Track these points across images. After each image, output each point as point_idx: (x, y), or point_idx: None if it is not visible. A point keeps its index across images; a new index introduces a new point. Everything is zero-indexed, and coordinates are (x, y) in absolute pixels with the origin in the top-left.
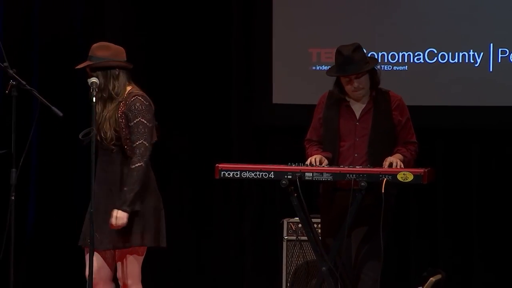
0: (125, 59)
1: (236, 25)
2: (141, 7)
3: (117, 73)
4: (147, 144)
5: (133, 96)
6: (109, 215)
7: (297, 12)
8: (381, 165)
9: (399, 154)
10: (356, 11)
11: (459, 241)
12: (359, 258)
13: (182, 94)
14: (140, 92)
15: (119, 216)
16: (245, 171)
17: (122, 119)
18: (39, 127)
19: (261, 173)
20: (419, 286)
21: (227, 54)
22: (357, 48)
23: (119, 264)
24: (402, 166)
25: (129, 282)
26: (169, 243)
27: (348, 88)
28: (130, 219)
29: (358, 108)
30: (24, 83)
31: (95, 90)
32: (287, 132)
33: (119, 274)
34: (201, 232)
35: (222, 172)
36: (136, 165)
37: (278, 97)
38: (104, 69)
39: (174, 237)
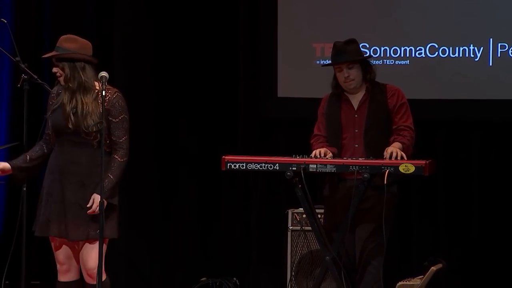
0: (91, 54)
1: (242, 21)
2: (150, 2)
3: (82, 65)
4: (128, 141)
5: (114, 93)
6: (83, 207)
7: (301, 7)
8: (377, 154)
9: (397, 143)
10: (359, 6)
11: (460, 231)
12: (362, 248)
13: (190, 88)
14: (116, 89)
15: (99, 203)
16: (251, 163)
17: (105, 115)
18: None
19: (266, 165)
20: (420, 275)
21: (234, 50)
22: (351, 41)
23: (87, 252)
24: (403, 154)
25: (95, 270)
26: (177, 233)
27: (339, 77)
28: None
29: (355, 101)
30: (36, 77)
31: (105, 84)
32: (292, 125)
33: (87, 262)
34: (208, 222)
35: (228, 164)
36: (124, 159)
37: (283, 91)
38: (70, 60)
39: (182, 227)
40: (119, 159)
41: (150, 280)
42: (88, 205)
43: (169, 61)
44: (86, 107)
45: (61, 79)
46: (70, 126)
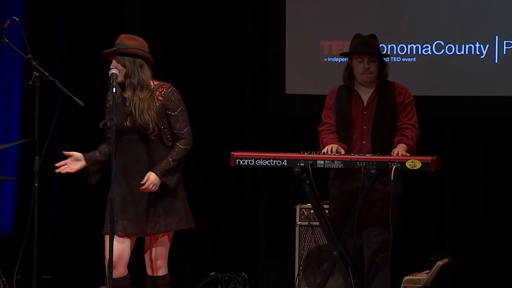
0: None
1: (251, 19)
2: (159, 1)
3: (141, 62)
4: (191, 131)
5: (169, 87)
6: (142, 205)
7: (309, 6)
8: (383, 151)
9: (402, 145)
10: (366, 5)
11: (466, 227)
12: (370, 242)
13: (200, 85)
14: (170, 83)
15: (153, 181)
16: (259, 159)
17: (160, 110)
18: (61, 116)
19: (274, 161)
20: (427, 270)
21: (242, 47)
22: (375, 36)
23: (151, 247)
24: (406, 155)
25: (160, 264)
26: (186, 228)
27: (359, 68)
28: (160, 204)
29: (365, 98)
30: (47, 74)
31: (115, 81)
32: (299, 122)
33: (151, 257)
34: (217, 217)
35: (237, 160)
36: (186, 146)
37: (291, 88)
38: (131, 55)
39: None
40: (180, 145)
41: None
42: (142, 182)
43: (179, 60)
44: (142, 103)
45: (121, 74)
46: (128, 123)
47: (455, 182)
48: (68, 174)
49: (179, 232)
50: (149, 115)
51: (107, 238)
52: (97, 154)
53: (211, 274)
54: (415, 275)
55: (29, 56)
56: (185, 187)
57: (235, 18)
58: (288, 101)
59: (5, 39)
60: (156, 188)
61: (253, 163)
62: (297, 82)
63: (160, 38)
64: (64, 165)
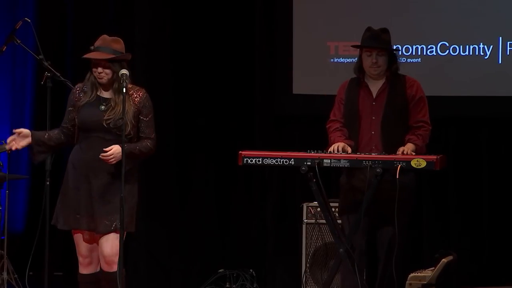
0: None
1: (258, 21)
2: (169, 1)
3: (126, 66)
4: (156, 138)
5: (144, 93)
6: (112, 202)
7: (315, 7)
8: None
9: (410, 144)
10: (371, 6)
11: (470, 224)
12: (378, 240)
13: (208, 86)
14: (143, 88)
15: (116, 154)
16: (267, 158)
17: (135, 113)
18: None
19: (282, 160)
20: (432, 267)
21: (250, 48)
22: (386, 30)
23: (105, 240)
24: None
25: (112, 257)
26: (195, 226)
27: (367, 61)
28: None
29: (374, 89)
30: (58, 74)
31: (126, 82)
32: (306, 121)
33: (105, 249)
34: (226, 215)
35: (245, 159)
36: (152, 148)
37: (298, 88)
38: (120, 62)
39: (200, 220)
40: (148, 143)
41: (170, 271)
42: (106, 149)
43: (188, 60)
44: (121, 106)
45: (105, 78)
46: (105, 124)
47: (460, 181)
48: (17, 150)
49: (187, 230)
50: (127, 118)
51: (75, 235)
52: (46, 136)
53: (219, 271)
54: (420, 272)
55: (41, 56)
56: (194, 185)
57: (243, 20)
58: (295, 101)
59: (17, 40)
60: (114, 162)
61: (260, 162)
62: (303, 83)
63: (168, 37)
64: (13, 140)
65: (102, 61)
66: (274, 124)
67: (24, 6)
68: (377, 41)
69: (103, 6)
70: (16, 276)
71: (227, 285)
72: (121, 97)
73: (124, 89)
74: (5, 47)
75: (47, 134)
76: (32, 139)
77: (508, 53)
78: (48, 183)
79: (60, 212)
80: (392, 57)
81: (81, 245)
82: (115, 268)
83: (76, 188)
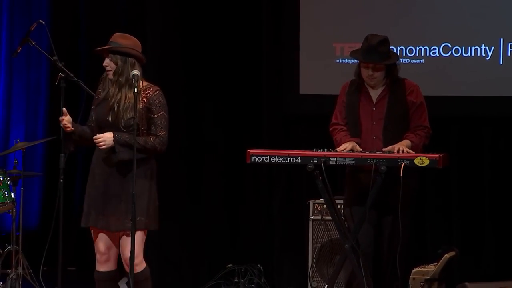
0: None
1: (266, 22)
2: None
3: (133, 62)
4: (167, 137)
5: (155, 90)
6: (122, 199)
7: (322, 8)
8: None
9: (406, 140)
10: (376, 8)
11: (472, 221)
12: (381, 236)
13: (217, 86)
14: (157, 87)
15: (105, 138)
16: (274, 156)
17: (143, 111)
18: (85, 115)
19: (289, 158)
20: (434, 262)
21: (258, 49)
22: (384, 41)
23: (125, 243)
24: (409, 151)
25: (138, 260)
26: (205, 222)
27: (364, 72)
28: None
29: (374, 94)
30: (72, 75)
31: (137, 82)
32: (313, 120)
33: (125, 252)
34: (234, 212)
35: (253, 157)
36: (156, 144)
37: (305, 88)
38: (123, 54)
39: (209, 217)
40: (151, 139)
41: (180, 267)
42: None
43: (197, 61)
44: (127, 102)
45: (110, 72)
46: (109, 119)
47: (462, 178)
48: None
49: (197, 227)
50: (123, 110)
51: (93, 232)
52: (87, 131)
53: (228, 266)
54: (423, 267)
55: (55, 58)
56: (203, 182)
57: (251, 21)
58: (302, 101)
59: (32, 42)
60: (103, 147)
61: (268, 160)
62: (310, 83)
63: (179, 38)
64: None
65: (105, 53)
66: (282, 123)
67: (39, 9)
68: (374, 55)
69: (115, 8)
70: (30, 271)
71: (236, 280)
72: (118, 89)
73: (136, 89)
74: (20, 48)
75: (85, 128)
76: (75, 128)
77: (509, 54)
78: (61, 180)
79: (84, 210)
80: (390, 66)
81: (98, 242)
82: (138, 269)
83: (95, 186)
